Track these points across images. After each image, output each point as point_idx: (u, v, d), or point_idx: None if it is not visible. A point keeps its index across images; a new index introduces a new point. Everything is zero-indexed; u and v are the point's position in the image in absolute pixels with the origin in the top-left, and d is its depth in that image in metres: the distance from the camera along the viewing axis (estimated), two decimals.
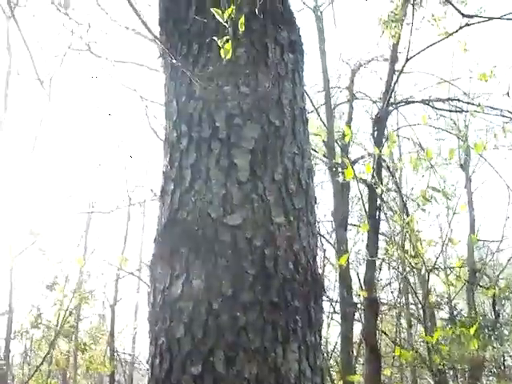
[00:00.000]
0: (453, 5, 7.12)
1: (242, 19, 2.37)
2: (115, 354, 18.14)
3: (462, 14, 6.37)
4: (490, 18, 6.87)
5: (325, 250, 17.54)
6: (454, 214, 5.49)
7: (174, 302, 2.45)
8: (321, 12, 12.07)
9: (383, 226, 16.27)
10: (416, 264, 6.30)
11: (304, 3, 11.91)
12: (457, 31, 7.93)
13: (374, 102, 13.25)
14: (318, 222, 17.27)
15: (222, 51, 2.35)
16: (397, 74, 10.67)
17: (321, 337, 2.60)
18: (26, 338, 12.47)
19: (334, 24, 12.43)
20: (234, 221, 2.50)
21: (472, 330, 5.07)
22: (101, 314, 20.08)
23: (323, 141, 11.19)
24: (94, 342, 17.88)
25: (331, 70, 13.92)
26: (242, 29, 2.35)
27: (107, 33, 7.45)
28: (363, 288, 10.71)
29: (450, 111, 14.12)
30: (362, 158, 13.34)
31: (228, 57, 2.39)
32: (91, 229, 19.96)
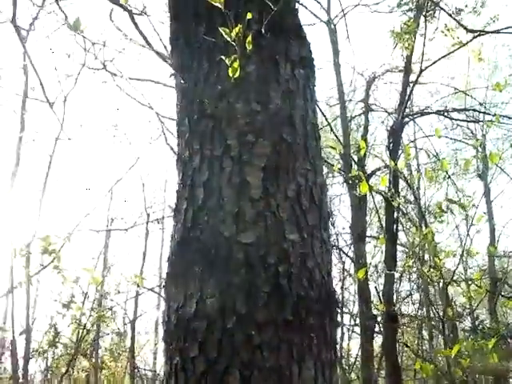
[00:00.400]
0: (456, 20, 7.15)
1: (250, 38, 2.37)
2: (136, 370, 18.14)
3: (466, 29, 6.42)
4: (488, 32, 6.91)
5: (344, 263, 17.50)
6: (472, 225, 5.43)
7: (188, 321, 2.44)
8: (334, 25, 12.10)
9: (403, 238, 16.21)
10: (434, 276, 6.24)
11: (317, 17, 11.95)
12: (471, 41, 7.92)
13: (389, 114, 13.20)
14: (337, 235, 17.29)
15: (229, 70, 2.35)
16: (411, 85, 10.65)
17: (336, 353, 2.58)
18: (44, 357, 12.50)
19: (347, 37, 12.41)
20: (247, 238, 2.49)
21: (491, 344, 5.00)
22: (121, 331, 20.10)
23: (339, 154, 11.17)
24: (114, 359, 17.90)
25: (346, 83, 13.97)
26: (249, 47, 2.35)
27: (120, 51, 7.52)
28: (382, 301, 10.63)
29: (467, 121, 14.06)
30: (379, 169, 13.29)
31: (236, 75, 2.38)
32: (110, 244, 20.11)
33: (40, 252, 5.59)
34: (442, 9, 7.30)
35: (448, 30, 8.77)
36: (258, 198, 2.56)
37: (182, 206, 2.73)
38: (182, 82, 3.00)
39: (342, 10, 11.99)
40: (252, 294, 2.39)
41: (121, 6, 2.73)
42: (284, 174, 2.65)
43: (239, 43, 2.29)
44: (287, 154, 2.70)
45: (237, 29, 2.23)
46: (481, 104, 13.75)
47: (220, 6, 2.19)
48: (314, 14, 12.02)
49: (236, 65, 2.34)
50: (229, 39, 2.34)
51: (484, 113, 12.84)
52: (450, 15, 6.35)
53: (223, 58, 2.49)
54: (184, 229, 2.66)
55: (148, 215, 18.30)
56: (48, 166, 8.08)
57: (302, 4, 11.39)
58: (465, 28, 6.20)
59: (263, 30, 2.81)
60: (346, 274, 17.21)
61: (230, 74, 2.40)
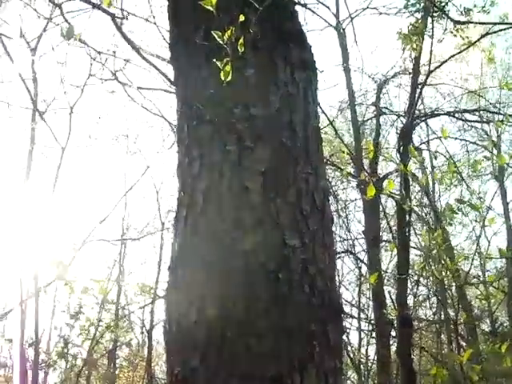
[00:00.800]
0: (444, 11, 7.09)
1: (241, 40, 2.33)
2: (154, 379, 18.12)
3: (453, 21, 6.40)
4: (473, 23, 6.89)
5: (360, 268, 17.41)
6: (483, 226, 5.36)
7: (189, 330, 2.40)
8: (343, 29, 12.06)
9: (420, 242, 16.09)
10: (448, 279, 6.17)
11: (326, 21, 11.91)
12: (478, 40, 7.85)
13: (399, 117, 13.12)
14: (353, 240, 17.20)
15: (221, 73, 2.31)
16: (420, 87, 10.57)
17: (341, 361, 2.52)
18: (54, 368, 12.50)
19: (354, 40, 12.37)
20: (246, 245, 2.44)
21: (504, 347, 4.92)
22: (131, 341, 20.06)
23: (350, 158, 11.12)
24: (132, 368, 17.90)
25: (357, 86, 13.91)
26: (241, 49, 2.31)
27: (128, 61, 7.53)
28: (395, 306, 10.53)
29: (478, 122, 13.92)
30: (391, 173, 13.19)
31: (228, 79, 2.34)
32: (126, 254, 20.17)
33: (49, 264, 5.59)
34: (444, 12, 7.22)
35: (457, 30, 8.70)
36: (257, 204, 2.52)
37: (181, 214, 2.70)
38: (180, 87, 2.97)
39: (350, 15, 11.96)
40: (252, 302, 2.34)
41: (103, 9, 2.70)
42: (284, 178, 2.61)
43: (231, 46, 2.25)
44: (287, 159, 2.66)
45: (229, 32, 2.19)
46: (494, 106, 13.64)
47: (211, 8, 2.15)
48: (323, 19, 11.99)
49: (228, 68, 2.30)
50: (221, 42, 2.30)
51: (496, 113, 12.73)
52: (449, 17, 6.30)
53: (216, 61, 2.45)
54: (184, 236, 2.62)
55: (162, 224, 18.30)
56: (55, 176, 8.10)
57: (310, 9, 11.37)
58: (451, 19, 6.17)
59: (261, 34, 2.77)
60: (362, 279, 17.12)
61: (222, 78, 2.36)
